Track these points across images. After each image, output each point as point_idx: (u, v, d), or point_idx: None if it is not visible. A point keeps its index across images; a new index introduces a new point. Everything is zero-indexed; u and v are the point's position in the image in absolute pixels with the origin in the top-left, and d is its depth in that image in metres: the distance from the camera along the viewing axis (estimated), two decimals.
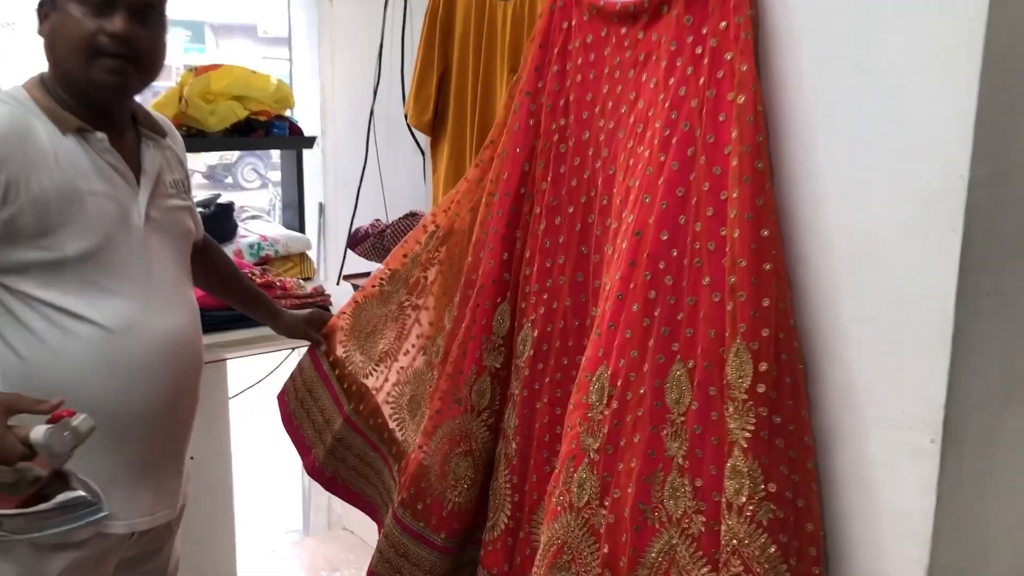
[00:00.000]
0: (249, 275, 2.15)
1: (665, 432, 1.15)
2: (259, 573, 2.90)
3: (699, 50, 1.17)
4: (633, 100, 1.29)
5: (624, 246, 1.22)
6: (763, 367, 1.07)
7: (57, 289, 1.26)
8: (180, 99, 2.33)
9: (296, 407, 1.74)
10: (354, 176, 2.53)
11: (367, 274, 2.21)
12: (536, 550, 1.31)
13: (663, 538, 1.14)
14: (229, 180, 10.72)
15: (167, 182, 1.43)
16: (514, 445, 1.41)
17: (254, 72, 2.52)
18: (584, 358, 1.26)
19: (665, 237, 1.18)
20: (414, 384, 1.61)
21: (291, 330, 1.77)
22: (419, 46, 2.04)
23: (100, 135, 1.30)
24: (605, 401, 1.18)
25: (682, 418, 1.14)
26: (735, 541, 1.06)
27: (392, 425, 1.62)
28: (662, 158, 1.19)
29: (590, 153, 1.37)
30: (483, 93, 1.96)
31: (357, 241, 2.62)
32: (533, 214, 1.45)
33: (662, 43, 1.23)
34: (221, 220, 2.50)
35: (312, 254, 2.77)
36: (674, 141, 1.18)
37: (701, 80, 1.17)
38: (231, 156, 10.38)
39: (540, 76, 1.43)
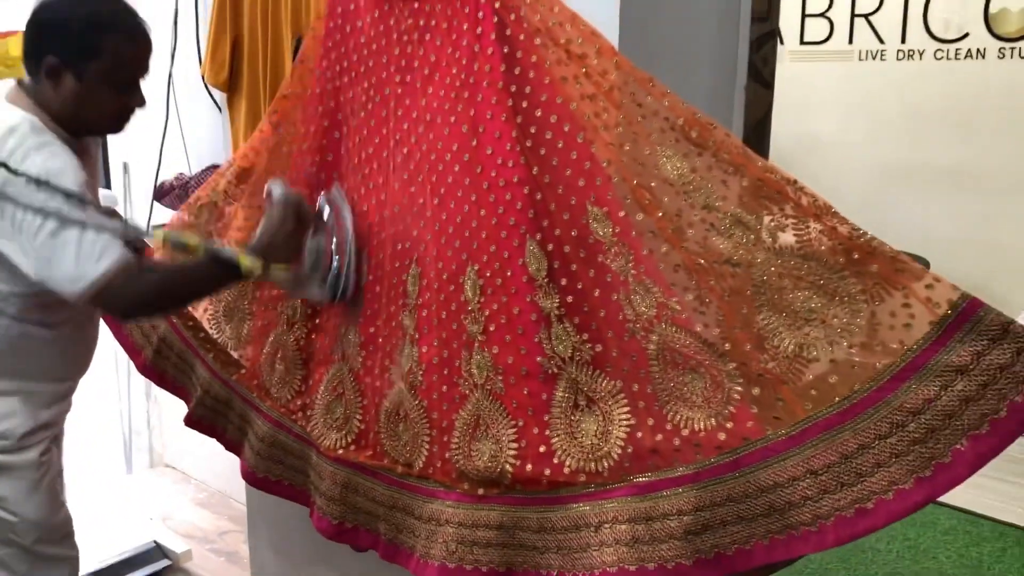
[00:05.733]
0: None
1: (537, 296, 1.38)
2: (82, 516, 3.05)
3: (467, 10, 1.41)
4: (422, 61, 1.50)
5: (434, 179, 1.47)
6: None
7: None
8: None
9: None
10: (156, 135, 2.77)
11: None
12: (381, 446, 1.58)
13: (562, 382, 1.37)
14: None
15: None
16: (360, 359, 1.64)
17: None
18: (440, 265, 1.48)
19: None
20: (228, 296, 1.92)
21: None
22: (211, 16, 2.34)
23: None
24: (479, 293, 1.43)
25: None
26: None
27: (208, 328, 1.94)
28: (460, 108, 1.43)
29: (383, 115, 1.60)
30: (273, 55, 2.31)
31: (163, 193, 2.88)
32: (351, 165, 1.65)
33: (437, 10, 1.47)
34: None
35: (119, 209, 2.97)
36: (466, 95, 1.42)
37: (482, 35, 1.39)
38: None
39: (333, 43, 1.63)
